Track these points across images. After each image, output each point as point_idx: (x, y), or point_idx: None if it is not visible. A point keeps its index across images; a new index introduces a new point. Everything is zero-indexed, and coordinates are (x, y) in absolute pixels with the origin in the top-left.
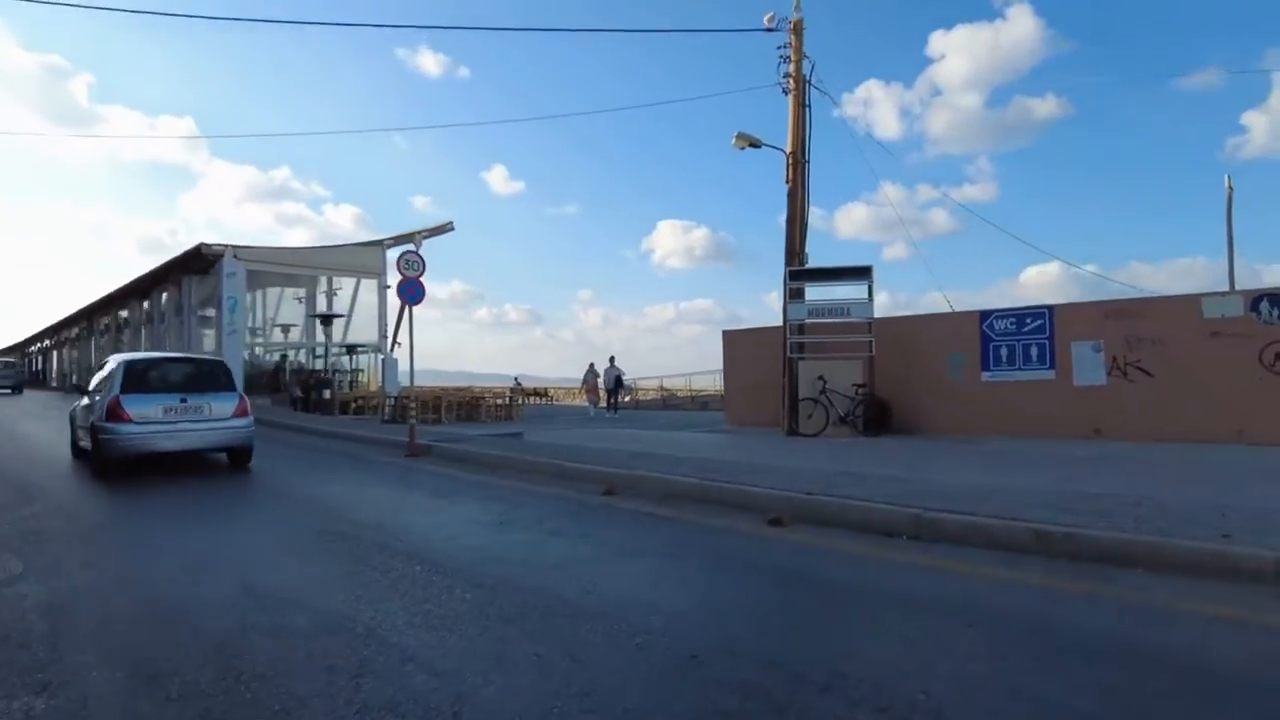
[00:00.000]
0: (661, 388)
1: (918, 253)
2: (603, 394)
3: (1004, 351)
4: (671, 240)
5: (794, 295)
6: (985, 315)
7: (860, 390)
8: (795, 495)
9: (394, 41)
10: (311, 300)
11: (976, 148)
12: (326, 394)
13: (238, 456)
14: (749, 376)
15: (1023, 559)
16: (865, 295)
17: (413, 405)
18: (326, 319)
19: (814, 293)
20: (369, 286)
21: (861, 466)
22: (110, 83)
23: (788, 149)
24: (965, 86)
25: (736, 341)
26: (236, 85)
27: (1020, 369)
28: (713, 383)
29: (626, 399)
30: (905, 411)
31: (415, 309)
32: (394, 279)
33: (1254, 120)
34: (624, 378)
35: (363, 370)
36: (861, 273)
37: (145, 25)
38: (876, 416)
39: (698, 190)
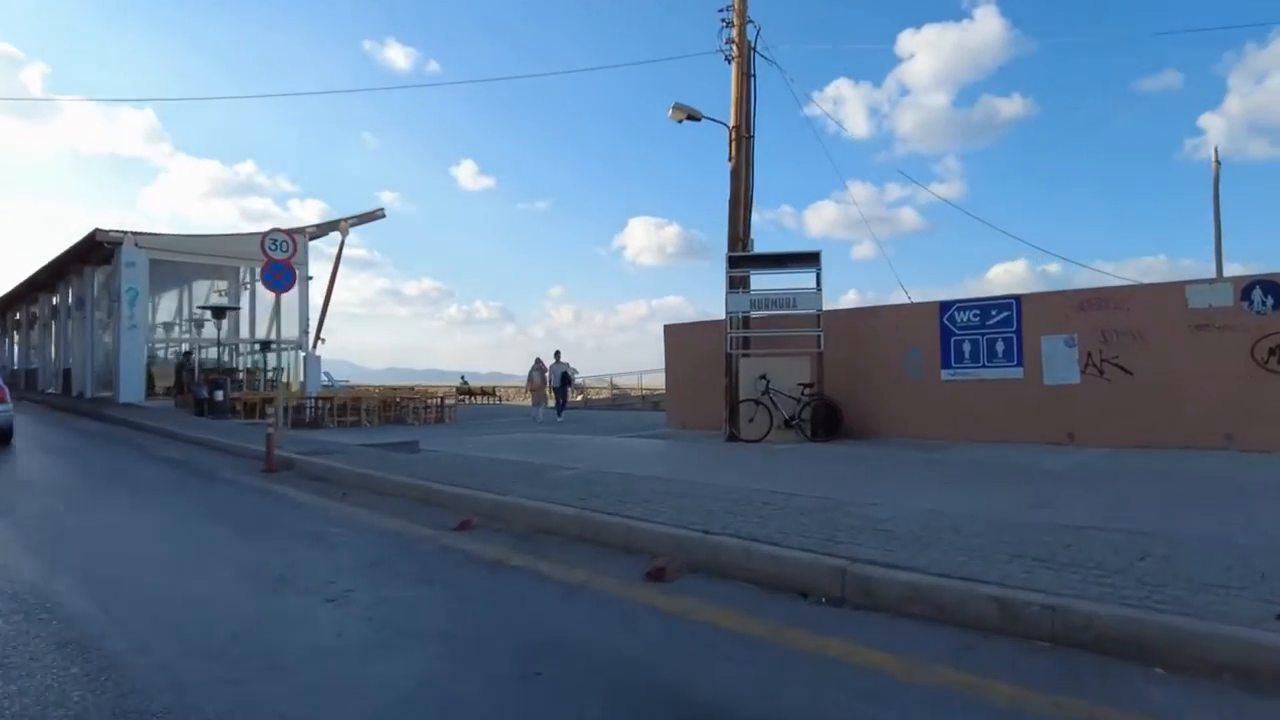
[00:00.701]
0: (613, 386)
1: (882, 251)
2: (549, 394)
3: (966, 347)
4: (644, 237)
5: (734, 284)
6: (945, 307)
7: (807, 390)
8: (690, 534)
9: (362, 33)
10: (236, 294)
11: (944, 147)
12: (219, 395)
13: None
14: (691, 375)
15: (985, 645)
16: (813, 284)
17: (271, 412)
18: (219, 311)
19: (761, 282)
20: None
21: (794, 483)
22: (66, 72)
23: (730, 122)
24: (933, 85)
25: (678, 336)
26: (199, 76)
27: (985, 366)
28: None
29: (579, 398)
30: (857, 413)
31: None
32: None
33: (1211, 123)
34: (573, 375)
35: (283, 369)
36: (809, 259)
37: (101, 13)
38: (825, 419)
39: (669, 186)
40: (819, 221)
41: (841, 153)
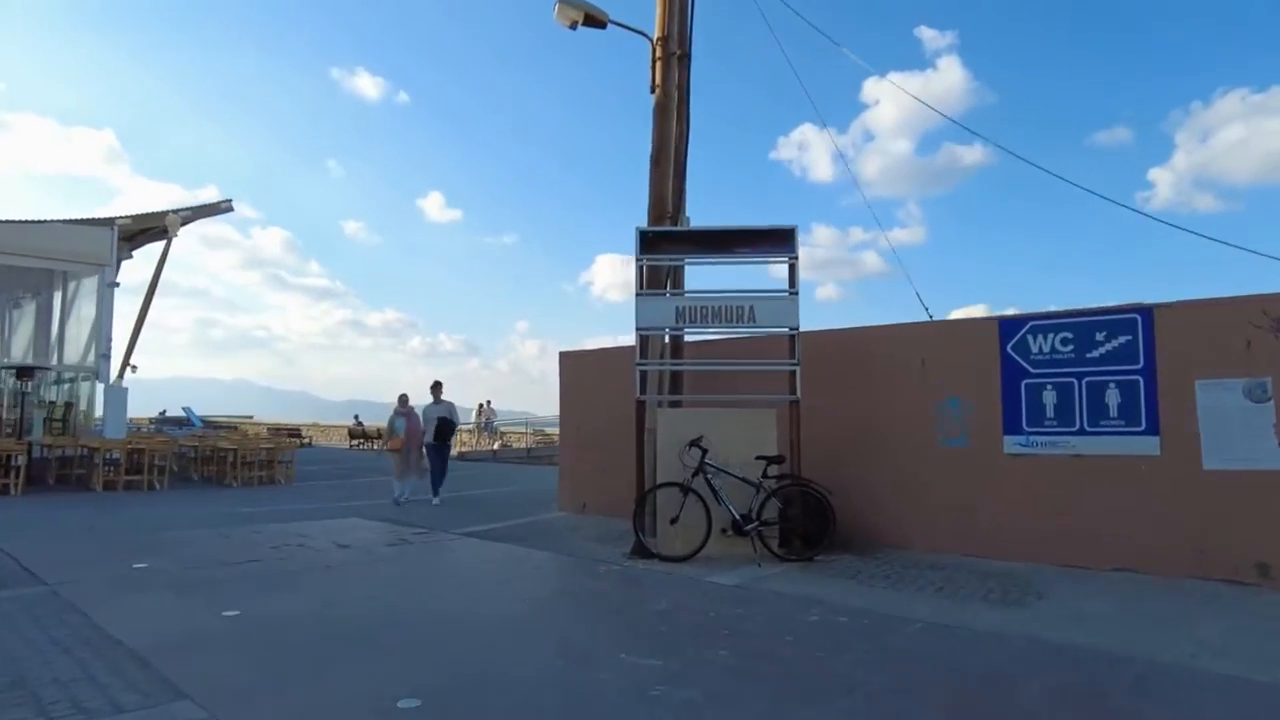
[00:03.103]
0: (531, 431)
1: (894, 254)
2: (422, 454)
3: (1050, 396)
4: (610, 273)
5: (652, 281)
6: (1012, 326)
7: (772, 468)
8: None
9: (329, 61)
10: (48, 304)
11: (906, 192)
12: None
13: None
14: (597, 430)
15: None
16: (784, 284)
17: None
18: None
19: (697, 280)
20: (87, 285)
21: None
22: (19, 90)
23: (655, 34)
24: (896, 132)
25: (579, 368)
26: (163, 103)
27: (1085, 432)
28: None
29: (495, 446)
30: (858, 508)
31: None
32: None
33: (1159, 176)
34: (457, 421)
35: (71, 403)
36: (777, 239)
37: (60, 31)
38: (802, 521)
39: (637, 221)
40: (779, 265)
41: (806, 196)
